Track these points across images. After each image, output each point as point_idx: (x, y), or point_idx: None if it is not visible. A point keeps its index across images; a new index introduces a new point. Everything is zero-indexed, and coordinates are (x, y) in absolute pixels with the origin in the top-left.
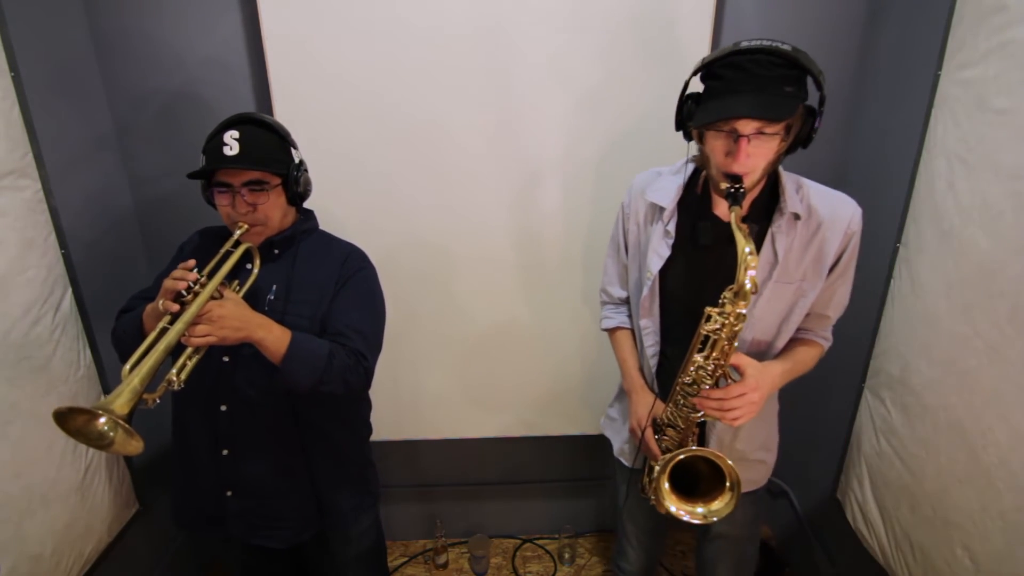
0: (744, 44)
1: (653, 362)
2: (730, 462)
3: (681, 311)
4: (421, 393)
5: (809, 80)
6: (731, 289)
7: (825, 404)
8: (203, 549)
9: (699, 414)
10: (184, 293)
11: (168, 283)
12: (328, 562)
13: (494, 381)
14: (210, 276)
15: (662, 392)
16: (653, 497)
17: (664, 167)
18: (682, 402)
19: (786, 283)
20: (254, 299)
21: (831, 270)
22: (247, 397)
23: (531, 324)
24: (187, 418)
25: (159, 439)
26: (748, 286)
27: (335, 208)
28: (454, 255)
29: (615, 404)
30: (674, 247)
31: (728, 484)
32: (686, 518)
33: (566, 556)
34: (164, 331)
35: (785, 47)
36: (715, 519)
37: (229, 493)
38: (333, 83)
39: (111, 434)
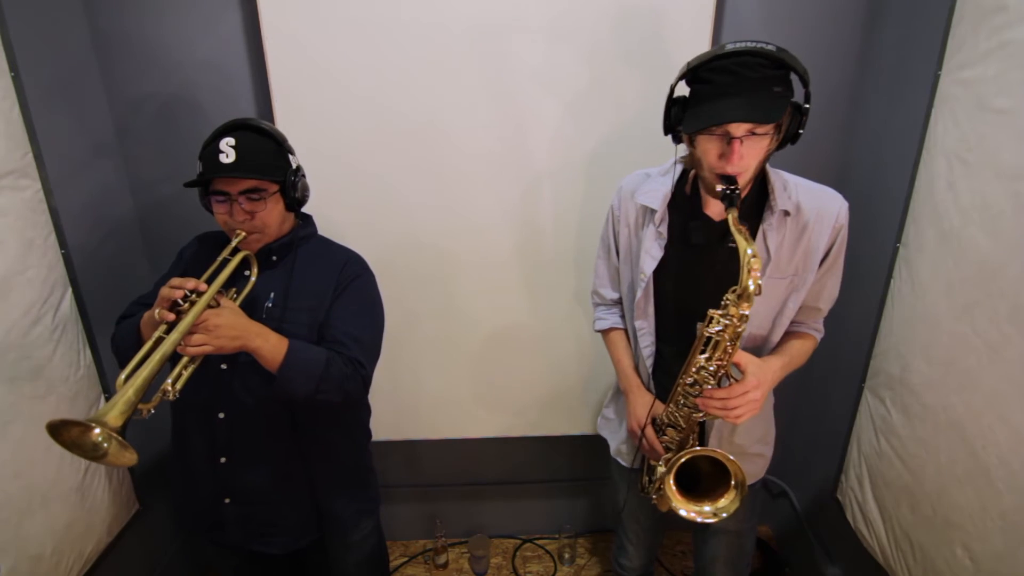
0: (730, 47)
1: (649, 362)
2: (732, 457)
3: (676, 310)
4: (421, 393)
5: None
6: (734, 291)
7: (825, 404)
8: (203, 550)
9: (700, 413)
10: (180, 302)
11: (164, 292)
12: (328, 568)
13: (494, 381)
14: (207, 283)
15: (659, 391)
16: (655, 496)
17: (652, 168)
18: (683, 402)
19: (779, 279)
20: (252, 307)
21: (821, 263)
22: (245, 405)
23: (530, 324)
24: (185, 425)
25: (159, 439)
26: (752, 288)
27: (334, 209)
28: (453, 256)
29: (611, 404)
30: (666, 248)
31: (733, 483)
32: (698, 519)
33: (566, 556)
34: (160, 340)
35: (770, 48)
36: (725, 515)
37: (227, 500)
38: (333, 85)
39: (105, 445)
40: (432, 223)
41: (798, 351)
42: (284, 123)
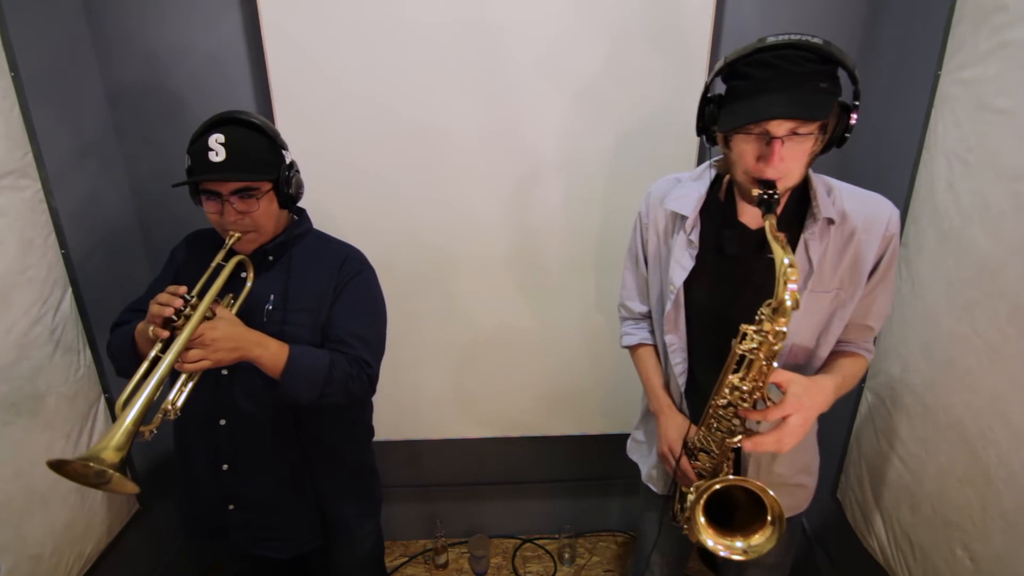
0: (771, 39)
1: (681, 380)
2: (772, 493)
3: (709, 325)
4: (421, 393)
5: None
6: (769, 304)
7: None
8: (204, 550)
9: (735, 439)
10: (174, 318)
11: (154, 308)
12: (331, 569)
13: (494, 381)
14: (201, 294)
15: (692, 412)
16: (686, 526)
17: (683, 173)
18: (716, 426)
19: (822, 292)
20: (251, 311)
21: (870, 276)
22: (247, 411)
23: (531, 324)
24: (187, 433)
25: (160, 441)
26: (788, 302)
27: (334, 208)
28: (454, 255)
29: (640, 426)
30: (698, 258)
31: (769, 518)
32: (724, 553)
33: (566, 556)
34: (156, 360)
35: (816, 40)
36: (755, 555)
37: (231, 507)
38: (333, 85)
39: (109, 473)
40: (433, 223)
41: (850, 371)
42: (284, 123)
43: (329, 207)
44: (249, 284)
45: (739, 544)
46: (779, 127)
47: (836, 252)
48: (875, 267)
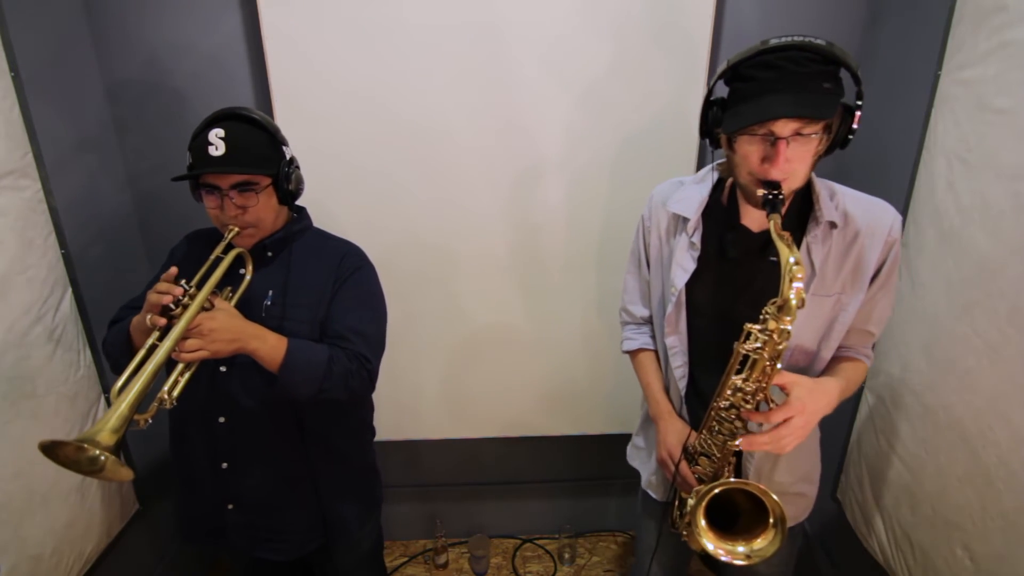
0: (774, 41)
1: (682, 384)
2: (775, 496)
3: (710, 328)
4: (421, 393)
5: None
6: (774, 303)
7: None
8: (204, 550)
9: (736, 441)
10: (172, 306)
11: (152, 297)
12: (330, 568)
13: (494, 381)
14: (199, 285)
15: (691, 417)
16: (685, 533)
17: (686, 176)
18: (717, 428)
19: (824, 296)
20: (250, 306)
21: (871, 281)
22: (246, 408)
23: (531, 325)
24: (184, 430)
25: (159, 440)
26: (794, 300)
27: (335, 207)
28: (454, 255)
29: (640, 432)
30: (700, 260)
31: (771, 521)
32: (726, 559)
33: (566, 556)
34: (153, 348)
35: (819, 42)
36: (758, 560)
37: (230, 506)
38: (333, 82)
39: (102, 459)
40: (433, 222)
41: (852, 376)
42: (284, 122)
43: (329, 206)
44: (248, 278)
45: (741, 549)
46: (784, 127)
47: (838, 256)
48: (877, 272)
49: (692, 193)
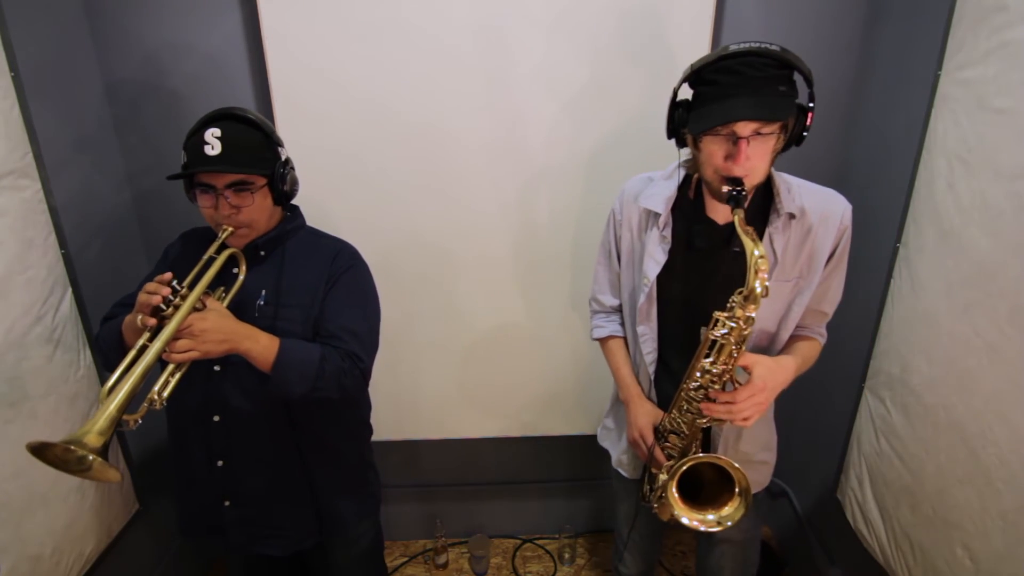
0: (733, 47)
1: (651, 369)
2: (737, 465)
3: (679, 315)
4: (421, 393)
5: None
6: (740, 292)
7: (825, 404)
8: (204, 550)
9: (704, 419)
10: (163, 307)
11: (142, 297)
12: (329, 565)
13: (494, 381)
14: (192, 286)
15: (661, 399)
16: (656, 505)
17: (655, 172)
18: (686, 408)
19: (784, 282)
20: (243, 306)
21: (825, 265)
22: (240, 407)
23: (530, 325)
24: (181, 429)
25: (158, 439)
26: (759, 290)
27: (333, 207)
28: (453, 255)
29: (610, 414)
30: (670, 252)
31: (737, 490)
32: (702, 528)
33: (566, 556)
34: (143, 349)
35: (774, 48)
36: (729, 524)
37: (227, 503)
38: (333, 85)
39: (89, 459)
40: (432, 223)
41: (807, 353)
42: (284, 122)
43: (329, 206)
44: (241, 278)
45: (711, 517)
46: (744, 128)
47: (797, 244)
48: (830, 257)
49: (661, 189)
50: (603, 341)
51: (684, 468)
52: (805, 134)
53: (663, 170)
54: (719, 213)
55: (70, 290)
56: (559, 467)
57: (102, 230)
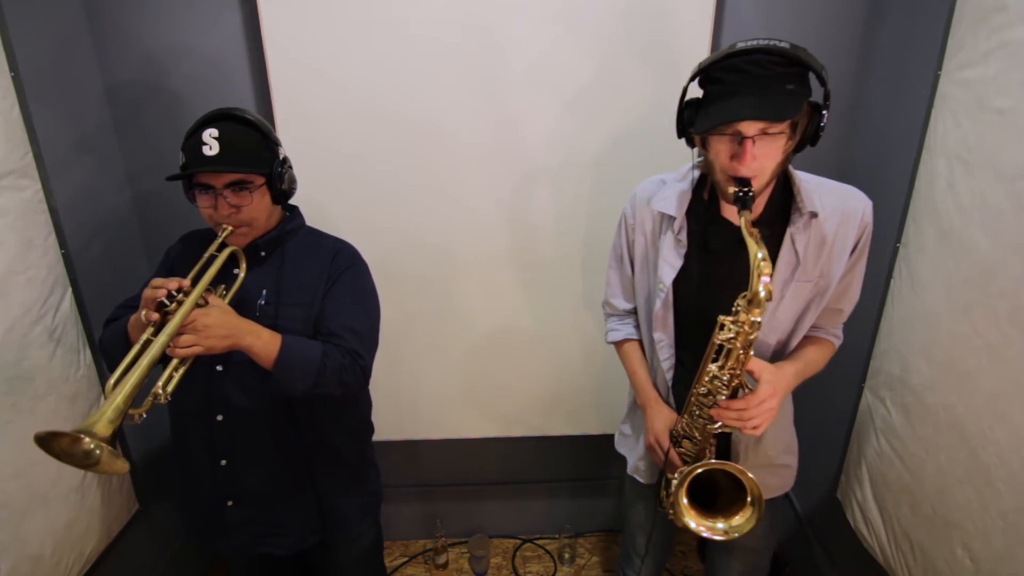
0: (741, 45)
1: (669, 375)
2: (751, 475)
3: (695, 320)
4: (421, 393)
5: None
6: (744, 297)
7: (825, 404)
8: (204, 549)
9: (716, 425)
10: (167, 303)
11: (147, 293)
12: (330, 564)
13: (494, 381)
14: (193, 283)
15: (679, 404)
16: (671, 511)
17: (668, 174)
18: (697, 413)
19: (805, 282)
20: (244, 305)
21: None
22: (243, 406)
23: (531, 324)
24: (183, 429)
25: (158, 439)
26: (763, 294)
27: (333, 207)
28: (454, 255)
29: (627, 420)
30: (685, 256)
31: (749, 499)
32: (707, 535)
33: (566, 556)
34: (147, 343)
35: (783, 45)
36: (736, 535)
37: (230, 503)
38: (333, 83)
39: (97, 453)
40: (433, 223)
41: (813, 357)
42: (284, 122)
43: (329, 206)
44: (242, 276)
45: (720, 525)
46: (749, 127)
47: (818, 243)
48: (850, 254)
49: (675, 191)
50: (618, 345)
51: (695, 474)
52: (820, 134)
53: (675, 172)
54: (733, 213)
55: (70, 290)
56: (560, 467)
57: (102, 230)
